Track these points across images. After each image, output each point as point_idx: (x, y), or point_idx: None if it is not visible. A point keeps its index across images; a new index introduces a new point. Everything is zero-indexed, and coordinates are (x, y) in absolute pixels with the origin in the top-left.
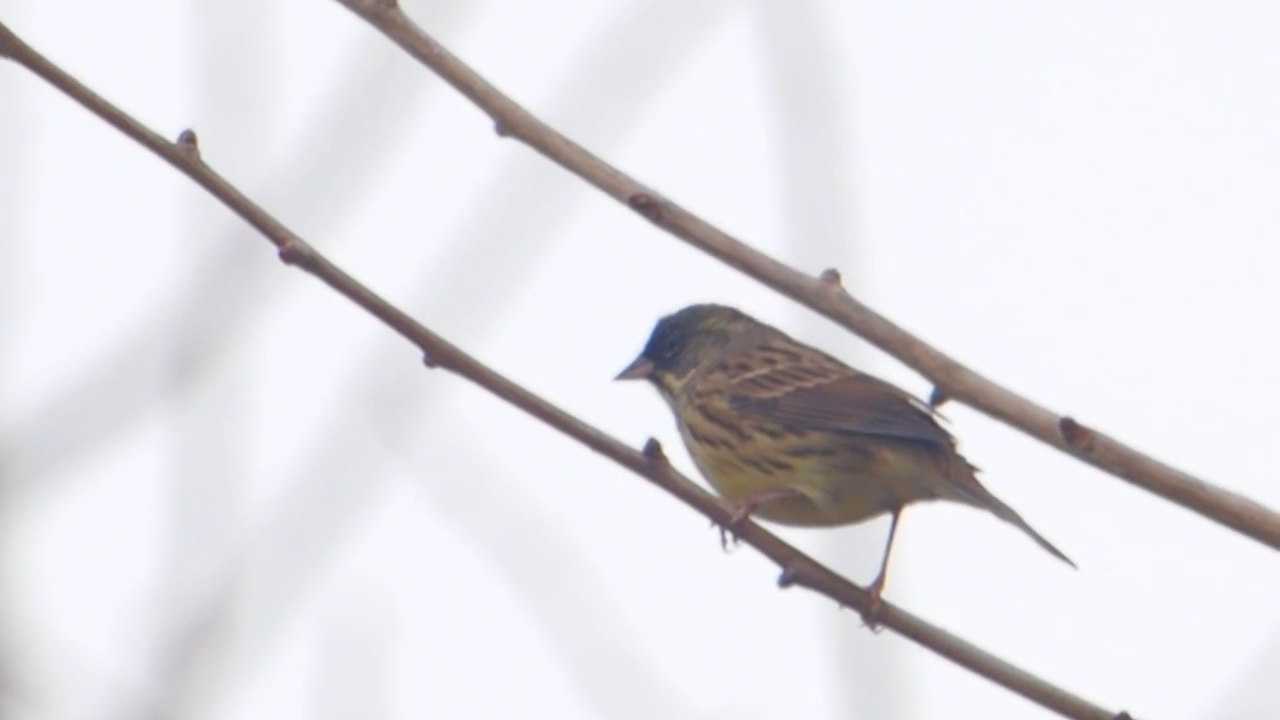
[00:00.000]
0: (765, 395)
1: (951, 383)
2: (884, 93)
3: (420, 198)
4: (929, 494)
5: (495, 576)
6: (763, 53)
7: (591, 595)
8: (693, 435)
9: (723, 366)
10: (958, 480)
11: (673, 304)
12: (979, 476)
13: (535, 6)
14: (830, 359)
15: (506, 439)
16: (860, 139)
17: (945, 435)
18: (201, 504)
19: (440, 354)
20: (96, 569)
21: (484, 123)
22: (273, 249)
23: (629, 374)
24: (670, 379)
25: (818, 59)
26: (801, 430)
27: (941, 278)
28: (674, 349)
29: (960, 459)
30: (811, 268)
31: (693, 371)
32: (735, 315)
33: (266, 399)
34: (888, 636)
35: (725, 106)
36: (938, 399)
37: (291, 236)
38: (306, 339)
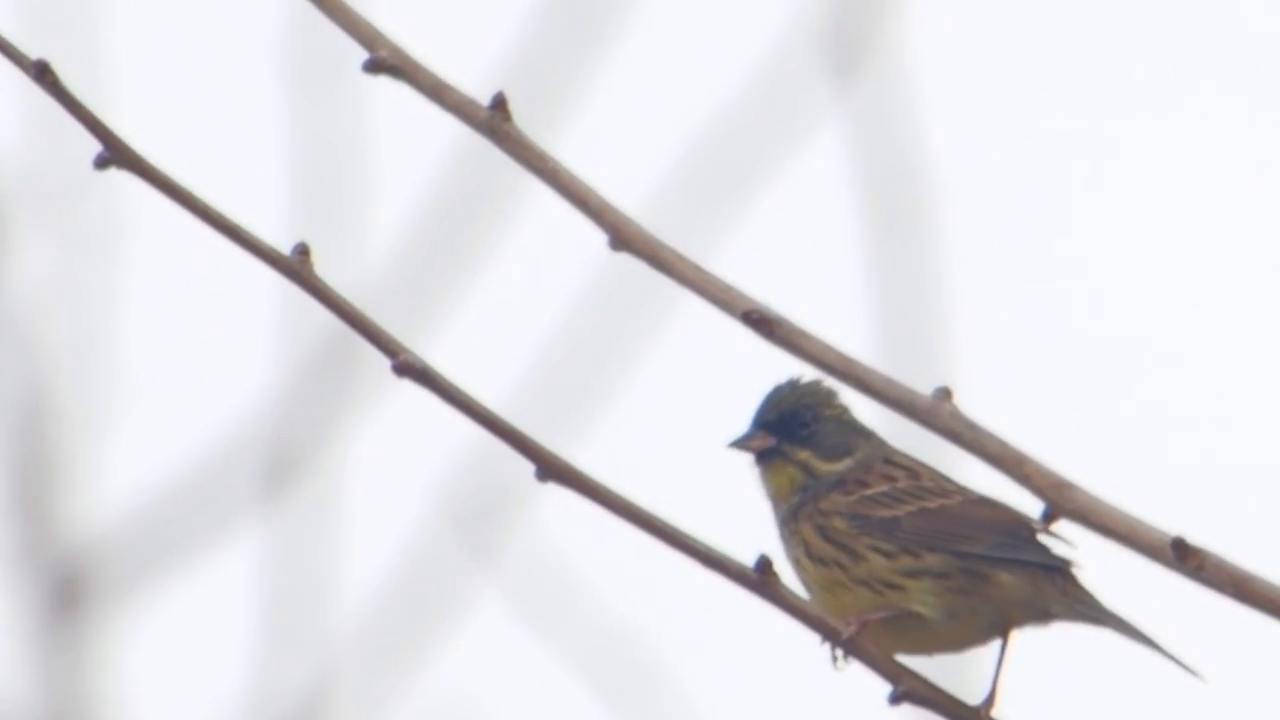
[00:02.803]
0: (886, 514)
1: (1063, 501)
2: (981, 200)
3: (525, 306)
4: (1043, 616)
5: (586, 690)
6: (859, 162)
7: (687, 712)
8: (806, 553)
9: (842, 484)
10: (1076, 597)
11: (777, 380)
12: (1097, 598)
13: (630, 114)
14: (947, 478)
15: (599, 550)
16: (959, 248)
17: (1066, 562)
18: (293, 611)
19: (553, 469)
20: (188, 675)
21: (594, 234)
22: (371, 357)
23: (747, 443)
24: (811, 458)
25: (913, 167)
26: (917, 552)
27: (1049, 391)
28: (810, 427)
29: (1077, 582)
30: (911, 378)
31: (848, 461)
32: (855, 425)
33: (359, 507)
34: None
35: (822, 215)
36: (1049, 517)
37: (404, 350)
38: (400, 448)
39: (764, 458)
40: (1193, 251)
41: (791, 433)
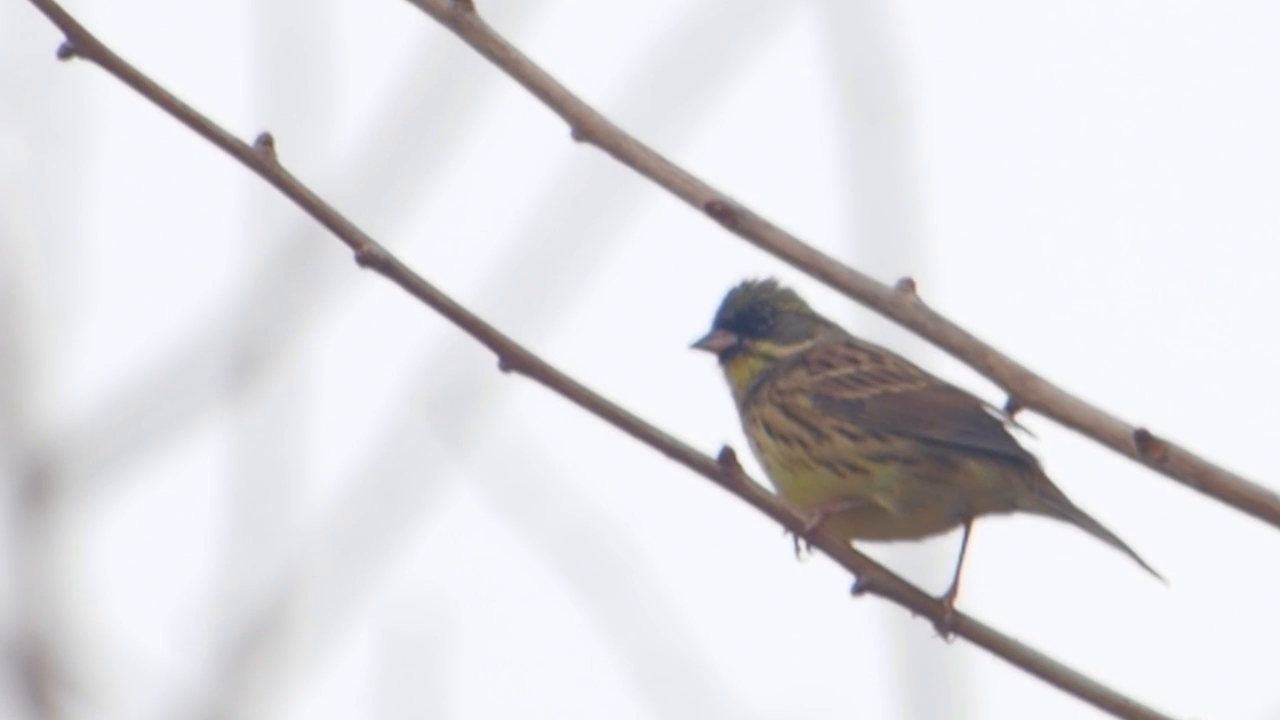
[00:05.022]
0: (850, 396)
1: (1026, 392)
2: (950, 95)
3: (490, 198)
4: (1009, 506)
5: (555, 580)
6: (828, 56)
7: (654, 601)
8: (767, 431)
9: (805, 363)
10: (1043, 491)
11: (735, 280)
12: (1065, 492)
13: (600, 7)
14: (912, 365)
15: (568, 441)
16: (927, 142)
17: (1031, 454)
18: (260, 505)
19: (515, 359)
20: (155, 569)
21: (558, 126)
22: (337, 250)
23: (709, 343)
24: (769, 347)
25: (883, 62)
26: (884, 435)
27: (1013, 284)
28: (769, 322)
29: (1044, 475)
30: (877, 271)
31: (807, 343)
32: (815, 316)
33: (326, 400)
34: (960, 646)
35: (791, 109)
36: (1012, 408)
37: (368, 240)
38: (367, 340)
39: (726, 355)
40: (1158, 141)
41: (751, 328)
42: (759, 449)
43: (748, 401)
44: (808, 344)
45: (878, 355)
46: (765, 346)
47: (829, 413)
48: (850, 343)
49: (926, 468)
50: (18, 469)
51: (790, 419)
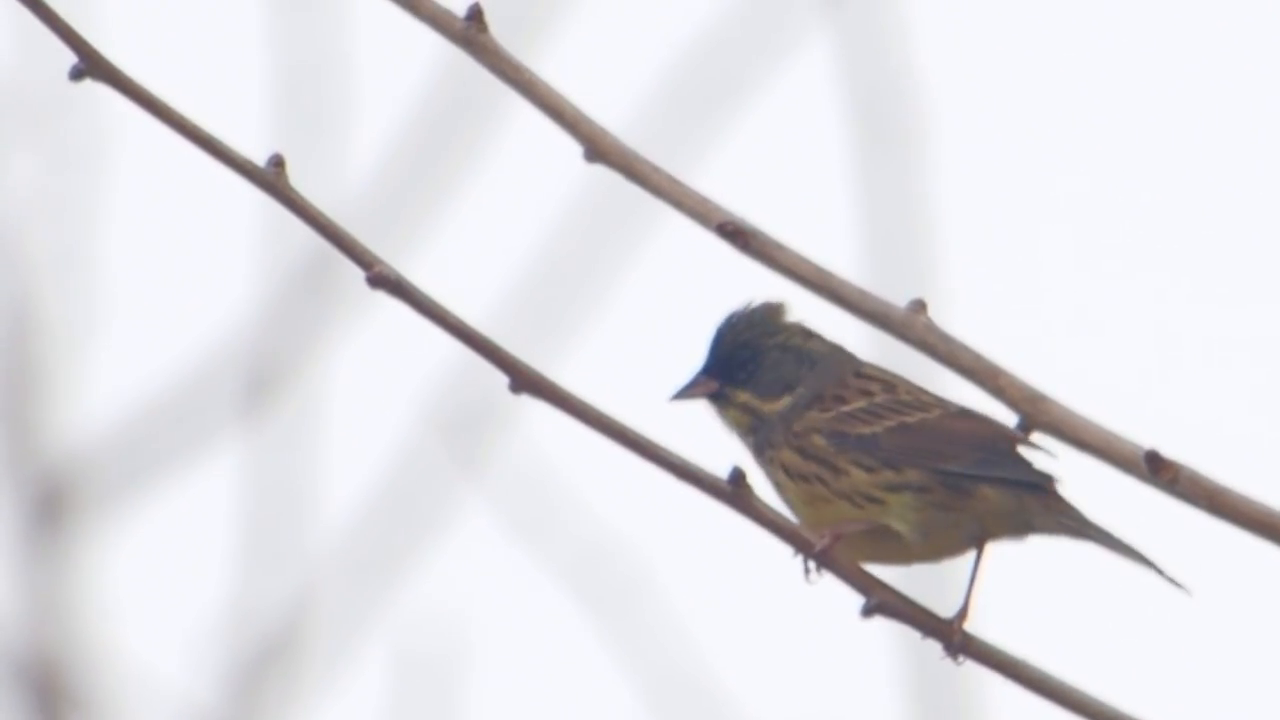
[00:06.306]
0: (865, 431)
1: (1037, 414)
2: (962, 116)
3: (502, 219)
4: (1025, 529)
5: (568, 602)
6: (841, 78)
7: (666, 622)
8: (786, 474)
9: (819, 400)
10: (1059, 511)
11: (723, 314)
12: (1080, 511)
13: (615, 29)
14: (924, 390)
15: (579, 463)
16: (940, 164)
17: (1049, 478)
18: (274, 525)
19: (526, 380)
20: (168, 589)
21: (570, 147)
22: (351, 272)
23: (689, 393)
24: (751, 400)
25: (897, 84)
26: (898, 466)
27: (1024, 305)
28: (748, 367)
29: (1060, 495)
30: (888, 291)
31: (788, 398)
32: (807, 332)
33: (340, 421)
34: (970, 668)
35: (804, 131)
36: (1023, 430)
37: (379, 261)
38: (381, 362)
39: (714, 399)
40: (1171, 162)
41: (731, 375)
42: (779, 488)
43: (763, 444)
44: (788, 400)
45: (890, 384)
46: (744, 398)
47: (843, 450)
48: (860, 372)
49: (940, 495)
50: (31, 489)
51: (808, 460)
